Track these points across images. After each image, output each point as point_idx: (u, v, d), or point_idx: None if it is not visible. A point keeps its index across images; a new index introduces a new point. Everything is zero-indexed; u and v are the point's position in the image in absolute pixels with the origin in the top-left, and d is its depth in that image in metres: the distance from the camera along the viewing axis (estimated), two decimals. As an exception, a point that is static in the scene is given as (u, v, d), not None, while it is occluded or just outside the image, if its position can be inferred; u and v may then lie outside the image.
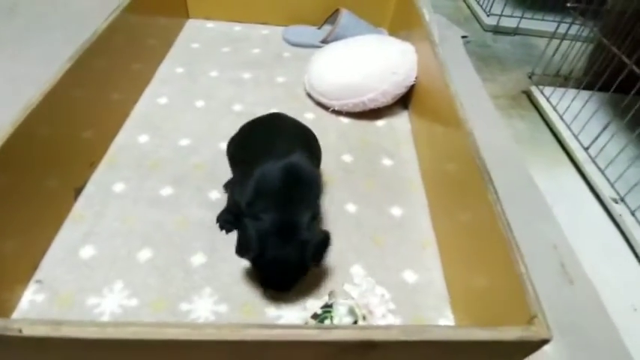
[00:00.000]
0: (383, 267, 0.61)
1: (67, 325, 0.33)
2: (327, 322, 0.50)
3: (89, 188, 0.67)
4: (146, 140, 0.76)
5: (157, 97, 0.86)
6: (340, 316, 0.50)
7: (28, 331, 0.32)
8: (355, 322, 0.50)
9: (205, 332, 0.34)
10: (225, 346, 0.35)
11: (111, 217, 0.63)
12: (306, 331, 0.35)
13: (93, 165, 0.70)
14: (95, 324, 0.33)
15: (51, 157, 0.59)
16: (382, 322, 0.52)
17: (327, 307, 0.51)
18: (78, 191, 0.65)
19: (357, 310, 0.50)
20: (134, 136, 0.76)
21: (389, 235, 0.65)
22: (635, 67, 0.73)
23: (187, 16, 1.13)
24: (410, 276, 0.60)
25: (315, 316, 0.51)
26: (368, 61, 0.83)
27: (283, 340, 0.34)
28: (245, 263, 0.58)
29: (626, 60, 0.73)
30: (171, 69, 0.94)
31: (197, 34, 1.07)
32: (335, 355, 0.37)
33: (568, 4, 0.91)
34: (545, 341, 0.37)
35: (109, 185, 0.67)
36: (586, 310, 0.60)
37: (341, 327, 0.39)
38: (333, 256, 0.60)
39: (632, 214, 0.71)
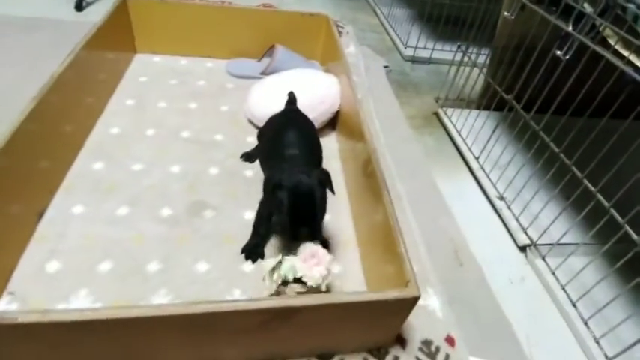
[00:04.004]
0: (313, 262, 0.74)
1: (53, 312, 0.42)
2: (275, 273, 0.60)
3: (50, 212, 0.74)
4: (101, 167, 0.84)
5: (109, 127, 0.95)
6: (285, 270, 0.59)
7: (23, 318, 0.41)
8: (297, 279, 0.60)
9: (163, 309, 0.45)
10: (180, 319, 0.46)
11: (72, 236, 0.71)
12: (241, 303, 0.47)
13: (52, 192, 0.78)
14: (76, 310, 0.43)
15: (12, 186, 0.66)
16: (319, 280, 0.59)
17: (278, 262, 0.61)
18: (40, 215, 0.73)
19: (297, 268, 0.60)
20: (89, 164, 0.85)
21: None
22: (514, 102, 0.90)
23: (135, 51, 1.23)
24: (335, 267, 0.74)
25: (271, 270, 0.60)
26: (299, 93, 0.97)
27: (225, 311, 0.46)
28: (199, 267, 0.69)
29: (505, 96, 0.93)
30: (121, 101, 1.04)
31: (145, 68, 1.17)
32: (267, 320, 0.49)
33: (458, 44, 1.11)
34: (416, 298, 0.51)
35: (68, 208, 0.75)
36: (472, 285, 0.77)
37: (266, 298, 0.50)
38: (270, 256, 0.73)
39: (509, 208, 0.90)
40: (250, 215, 0.80)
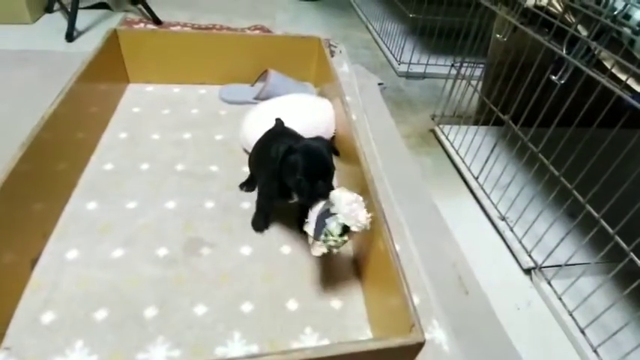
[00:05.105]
0: (315, 297, 0.72)
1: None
2: (323, 235, 0.63)
3: (44, 258, 0.73)
4: (94, 207, 0.83)
5: (102, 163, 0.93)
6: (332, 228, 0.63)
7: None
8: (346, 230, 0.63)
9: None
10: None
11: (67, 283, 0.69)
12: (240, 361, 0.45)
13: (46, 236, 0.76)
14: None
15: (7, 233, 0.65)
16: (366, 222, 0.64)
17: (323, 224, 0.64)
18: (34, 262, 0.72)
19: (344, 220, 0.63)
20: (82, 204, 0.83)
21: (319, 269, 0.77)
22: (511, 123, 0.89)
23: (128, 81, 1.22)
24: (336, 303, 0.72)
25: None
26: (293, 120, 0.96)
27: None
28: (196, 310, 0.67)
29: (502, 116, 0.92)
30: (115, 135, 1.02)
31: (138, 98, 1.16)
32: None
33: (452, 64, 1.10)
34: (421, 344, 0.49)
35: (62, 253, 0.74)
36: (478, 315, 0.75)
37: (265, 354, 0.48)
38: (269, 295, 0.71)
39: (511, 230, 0.88)
40: (247, 250, 0.79)
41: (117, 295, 0.68)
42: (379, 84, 1.40)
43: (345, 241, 0.64)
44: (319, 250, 0.64)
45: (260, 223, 0.83)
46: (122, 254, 0.75)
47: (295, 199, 0.74)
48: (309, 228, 0.66)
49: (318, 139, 0.72)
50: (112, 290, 0.69)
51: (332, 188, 0.67)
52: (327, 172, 0.68)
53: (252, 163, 0.89)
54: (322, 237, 0.63)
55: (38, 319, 0.64)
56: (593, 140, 0.66)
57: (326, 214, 0.65)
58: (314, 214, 0.66)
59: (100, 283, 0.70)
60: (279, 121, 0.89)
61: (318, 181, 0.66)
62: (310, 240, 0.65)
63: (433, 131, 1.21)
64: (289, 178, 0.68)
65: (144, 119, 1.09)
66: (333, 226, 0.63)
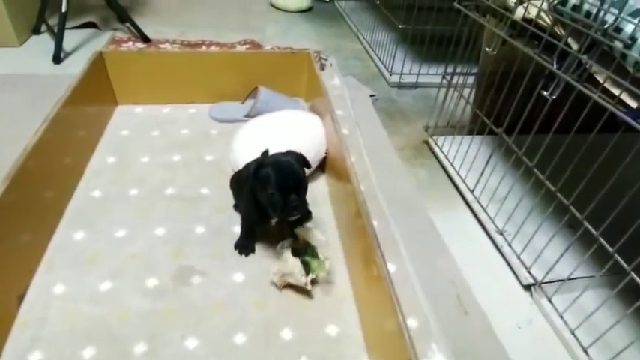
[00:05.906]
0: (310, 324, 0.70)
1: None
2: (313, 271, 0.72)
3: (31, 293, 0.71)
4: (82, 237, 0.81)
5: (90, 190, 0.92)
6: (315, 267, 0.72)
7: None
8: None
9: None
10: None
11: (54, 320, 0.67)
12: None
13: (32, 269, 0.74)
14: None
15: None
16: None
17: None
18: (20, 298, 0.69)
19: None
20: (70, 234, 0.81)
21: (314, 293, 0.75)
22: (505, 136, 0.87)
23: (116, 103, 1.20)
24: (332, 329, 0.70)
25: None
26: (284, 137, 0.95)
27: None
28: (187, 344, 0.65)
29: (495, 129, 0.90)
30: (103, 159, 1.01)
31: (126, 121, 1.15)
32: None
33: (443, 74, 1.09)
34: (418, 379, 0.47)
35: (49, 288, 0.72)
36: (478, 336, 0.73)
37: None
38: (263, 324, 0.69)
39: (509, 244, 0.86)
40: (239, 277, 0.77)
41: (105, 330, 0.66)
42: (371, 95, 1.39)
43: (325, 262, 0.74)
44: (309, 281, 0.72)
45: (243, 245, 0.81)
46: (110, 286, 0.73)
47: (274, 218, 0.73)
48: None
49: (289, 153, 0.72)
50: (100, 326, 0.67)
51: (305, 202, 0.69)
52: (300, 185, 0.67)
53: (233, 189, 0.88)
54: (310, 273, 0.72)
55: (26, 358, 0.62)
56: (592, 146, 0.63)
57: (294, 252, 0.74)
58: (290, 258, 0.73)
59: (88, 318, 0.68)
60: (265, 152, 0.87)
61: (290, 195, 0.66)
62: (302, 280, 0.71)
63: (427, 142, 1.20)
64: (262, 194, 0.68)
65: (133, 142, 1.07)
66: (316, 263, 0.73)
